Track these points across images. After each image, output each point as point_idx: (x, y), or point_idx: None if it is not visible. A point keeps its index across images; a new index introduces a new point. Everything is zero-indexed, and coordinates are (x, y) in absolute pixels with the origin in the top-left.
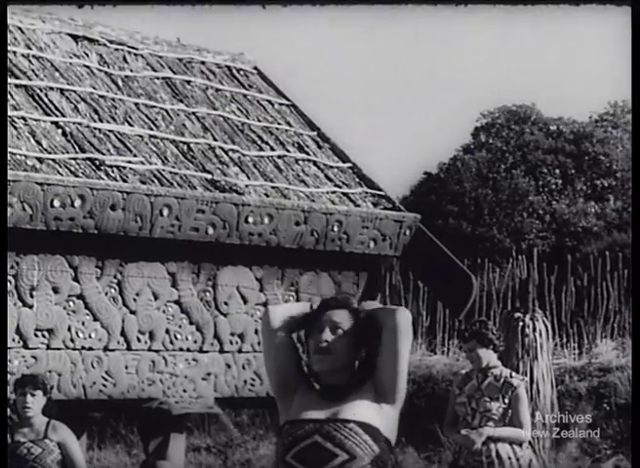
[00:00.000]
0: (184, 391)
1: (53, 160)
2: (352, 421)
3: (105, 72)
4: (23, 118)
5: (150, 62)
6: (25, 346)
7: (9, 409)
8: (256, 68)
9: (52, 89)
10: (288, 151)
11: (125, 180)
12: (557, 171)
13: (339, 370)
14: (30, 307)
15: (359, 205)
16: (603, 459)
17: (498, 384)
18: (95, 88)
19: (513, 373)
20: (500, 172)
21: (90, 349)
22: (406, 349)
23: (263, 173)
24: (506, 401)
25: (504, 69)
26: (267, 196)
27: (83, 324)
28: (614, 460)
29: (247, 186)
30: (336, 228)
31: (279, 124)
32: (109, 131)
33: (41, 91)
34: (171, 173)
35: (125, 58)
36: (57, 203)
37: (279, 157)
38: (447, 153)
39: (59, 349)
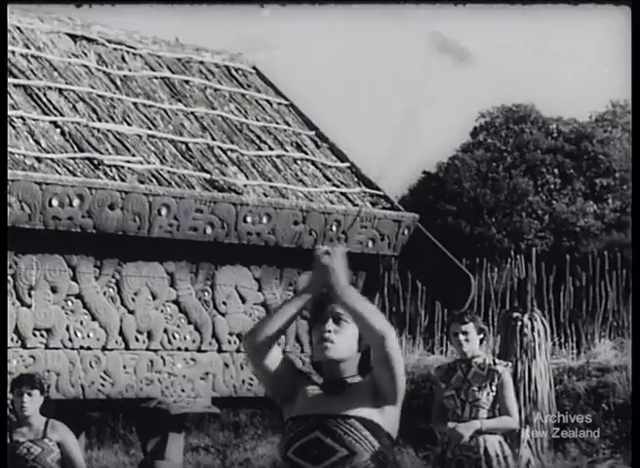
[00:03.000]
0: (183, 391)
1: (51, 159)
2: (353, 417)
3: (104, 72)
4: (22, 117)
5: (149, 62)
6: (24, 346)
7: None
8: (254, 68)
9: (50, 88)
10: (286, 151)
11: (123, 180)
12: (556, 170)
13: (341, 360)
14: (29, 307)
15: (357, 204)
16: (599, 461)
17: (483, 372)
18: (93, 87)
19: (496, 360)
20: (499, 171)
21: (88, 349)
22: (398, 353)
23: (262, 172)
24: (493, 388)
25: (503, 69)
26: (266, 195)
27: (81, 323)
28: (610, 462)
29: (245, 186)
30: (334, 228)
31: (277, 123)
32: (108, 130)
33: (39, 90)
34: (169, 172)
35: (123, 58)
36: (55, 202)
37: (277, 157)
38: (446, 153)
39: (57, 349)
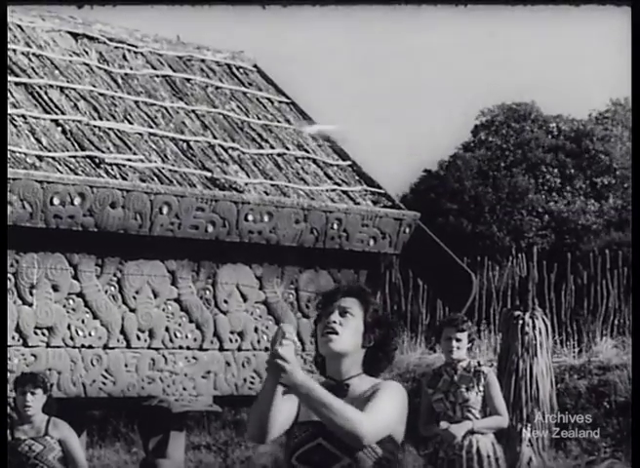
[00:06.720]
0: (184, 389)
1: (52, 158)
2: None
3: (105, 70)
4: (23, 116)
5: (150, 60)
6: (25, 344)
7: (8, 408)
8: (255, 66)
9: (51, 87)
10: (287, 149)
11: (125, 178)
12: (557, 169)
13: (345, 354)
14: (30, 305)
15: (359, 203)
16: (597, 462)
17: (469, 374)
18: (94, 86)
19: (480, 361)
20: (500, 170)
21: (89, 347)
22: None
23: (263, 170)
24: (481, 388)
25: (504, 67)
26: (267, 194)
27: (83, 322)
28: (608, 463)
29: (246, 184)
30: (335, 226)
31: (279, 122)
32: (109, 129)
33: (41, 89)
34: (170, 170)
35: (125, 56)
36: (56, 201)
37: (279, 155)
38: (447, 151)
39: (58, 347)
